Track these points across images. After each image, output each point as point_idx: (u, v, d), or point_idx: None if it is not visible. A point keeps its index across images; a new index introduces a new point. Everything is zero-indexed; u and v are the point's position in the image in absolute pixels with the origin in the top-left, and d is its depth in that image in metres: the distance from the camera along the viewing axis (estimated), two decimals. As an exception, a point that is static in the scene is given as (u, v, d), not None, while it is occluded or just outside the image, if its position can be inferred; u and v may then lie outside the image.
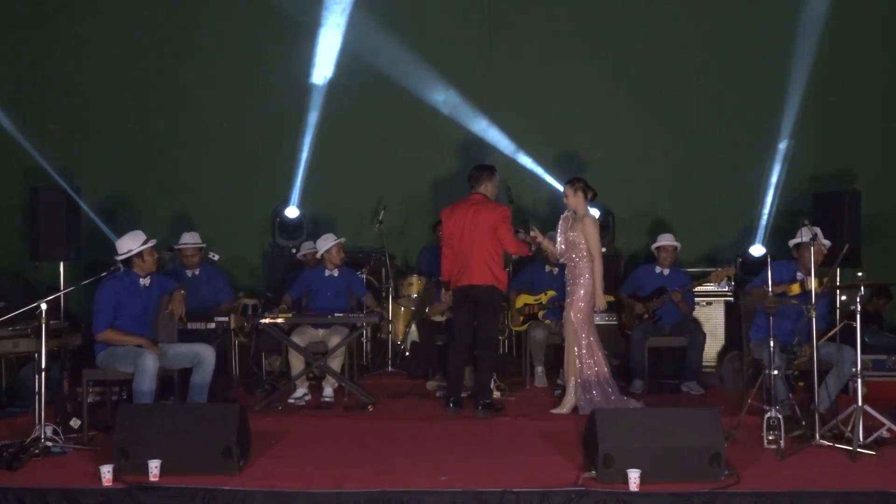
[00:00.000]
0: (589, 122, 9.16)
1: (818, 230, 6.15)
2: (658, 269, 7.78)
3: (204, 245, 7.66)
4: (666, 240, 7.77)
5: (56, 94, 9.17)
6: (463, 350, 6.74)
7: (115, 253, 6.10)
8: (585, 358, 6.50)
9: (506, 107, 9.15)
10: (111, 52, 9.15)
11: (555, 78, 9.15)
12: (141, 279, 6.09)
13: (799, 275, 6.16)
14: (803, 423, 5.58)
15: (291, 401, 7.01)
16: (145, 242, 6.07)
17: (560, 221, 6.72)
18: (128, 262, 6.07)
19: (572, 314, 6.53)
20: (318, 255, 7.59)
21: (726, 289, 8.28)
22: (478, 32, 9.19)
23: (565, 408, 6.51)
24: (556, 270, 7.97)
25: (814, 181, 8.74)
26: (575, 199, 6.60)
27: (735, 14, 9.08)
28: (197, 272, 7.60)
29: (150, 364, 5.72)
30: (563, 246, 6.66)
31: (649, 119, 9.11)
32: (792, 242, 6.39)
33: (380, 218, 8.51)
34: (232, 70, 9.19)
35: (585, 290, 6.51)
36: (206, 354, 6.07)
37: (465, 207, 6.69)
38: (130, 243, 6.05)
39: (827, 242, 6.25)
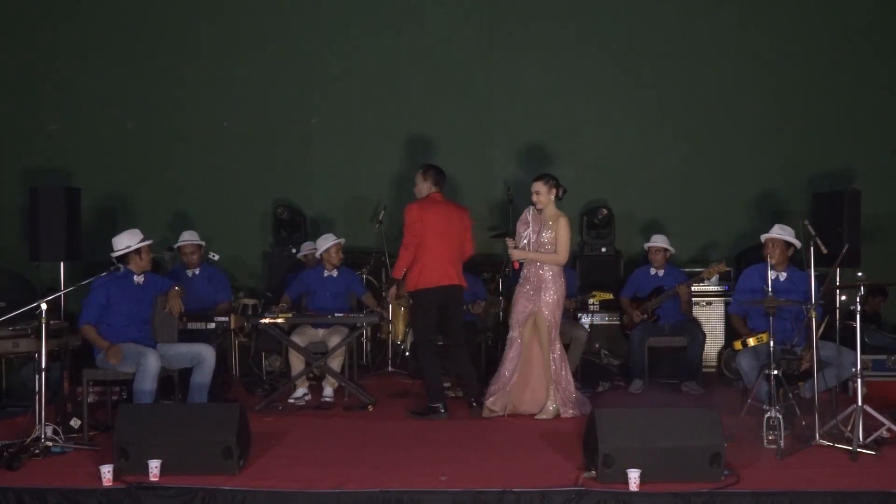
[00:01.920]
0: (589, 122, 9.16)
1: (789, 229, 6.37)
2: (654, 271, 7.80)
3: (203, 243, 7.65)
4: (655, 242, 7.79)
5: (56, 94, 9.17)
6: (436, 353, 6.65)
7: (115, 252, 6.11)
8: (559, 362, 6.37)
9: (506, 106, 9.15)
10: (111, 52, 9.16)
11: (555, 77, 9.16)
12: (135, 277, 6.11)
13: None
14: (803, 422, 5.57)
15: (291, 401, 7.02)
16: (143, 241, 6.10)
17: (529, 220, 6.39)
18: (123, 259, 6.10)
19: (545, 321, 6.31)
20: (318, 255, 7.59)
21: (726, 288, 8.28)
22: (478, 32, 9.19)
23: (549, 413, 6.32)
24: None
25: (813, 181, 8.74)
26: (548, 197, 6.35)
27: (735, 14, 9.08)
28: (197, 272, 7.60)
29: (152, 364, 5.74)
30: (528, 246, 6.41)
31: (650, 119, 9.12)
32: (763, 237, 6.43)
33: (380, 218, 8.51)
34: (232, 69, 9.19)
35: (554, 296, 6.33)
36: (207, 354, 6.08)
37: (443, 206, 6.60)
38: (128, 240, 6.11)
39: (796, 242, 6.32)
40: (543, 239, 6.34)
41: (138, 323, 6.11)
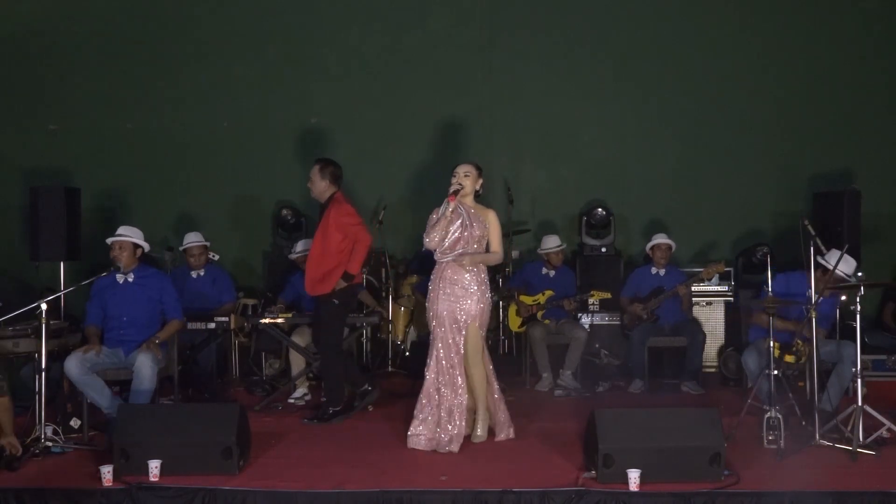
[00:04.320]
0: (590, 122, 9.16)
1: (832, 257, 5.87)
2: (654, 270, 7.79)
3: (208, 243, 7.67)
4: (659, 239, 7.79)
5: (56, 94, 9.17)
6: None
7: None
8: (492, 376, 5.74)
9: (506, 106, 9.15)
10: (111, 52, 9.15)
11: (555, 77, 9.15)
12: (118, 275, 6.11)
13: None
14: (803, 423, 5.57)
15: (291, 401, 7.01)
16: (116, 236, 6.10)
17: (446, 214, 5.58)
18: None
19: (476, 330, 5.61)
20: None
21: (726, 289, 8.29)
22: (478, 32, 9.19)
23: (482, 437, 5.68)
24: (552, 273, 7.96)
25: (813, 181, 8.74)
26: (473, 184, 5.69)
27: (735, 14, 9.08)
28: (202, 273, 7.61)
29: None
30: (452, 240, 5.66)
31: (650, 119, 9.11)
32: (820, 260, 5.93)
33: (380, 218, 8.51)
34: (232, 69, 9.19)
35: (482, 302, 5.62)
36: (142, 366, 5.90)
37: None
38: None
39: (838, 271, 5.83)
40: (475, 233, 5.64)
41: (125, 321, 6.06)
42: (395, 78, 9.20)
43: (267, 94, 9.18)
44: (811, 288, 5.60)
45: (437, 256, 5.74)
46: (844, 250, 5.66)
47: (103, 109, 9.16)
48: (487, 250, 5.76)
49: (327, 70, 9.24)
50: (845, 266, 5.89)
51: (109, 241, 6.18)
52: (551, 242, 7.96)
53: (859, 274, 5.61)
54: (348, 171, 9.08)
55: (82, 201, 8.04)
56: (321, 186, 6.37)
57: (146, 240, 6.25)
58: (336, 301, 6.28)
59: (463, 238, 5.63)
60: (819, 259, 5.86)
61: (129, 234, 6.15)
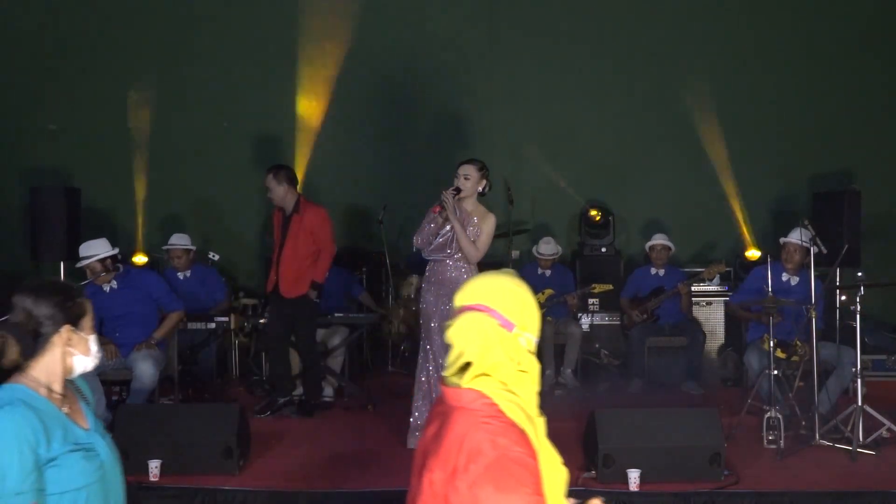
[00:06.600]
0: (589, 122, 9.16)
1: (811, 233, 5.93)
2: (654, 270, 7.80)
3: (193, 248, 7.64)
4: (657, 240, 7.79)
5: (56, 94, 9.17)
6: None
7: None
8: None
9: (506, 106, 9.15)
10: (111, 52, 9.15)
11: (555, 77, 9.15)
12: (101, 286, 6.11)
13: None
14: (803, 423, 5.57)
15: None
16: (84, 259, 6.05)
17: (437, 221, 5.57)
18: None
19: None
20: None
21: (726, 288, 8.28)
22: (478, 32, 9.19)
23: None
24: (548, 273, 7.95)
25: (813, 181, 8.74)
26: (476, 185, 5.53)
27: (734, 14, 9.08)
28: (188, 274, 7.59)
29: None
30: (439, 242, 5.57)
31: (649, 119, 9.10)
32: (782, 240, 6.37)
33: (380, 218, 8.50)
34: (232, 70, 9.19)
35: None
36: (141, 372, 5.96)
37: None
38: (84, 251, 6.13)
39: (810, 246, 5.92)
40: (467, 234, 5.51)
41: (116, 328, 6.09)
42: (395, 77, 9.19)
43: (267, 95, 9.18)
44: (812, 291, 5.60)
45: (424, 254, 5.66)
46: (845, 250, 5.65)
47: (103, 109, 9.15)
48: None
49: (327, 70, 9.23)
50: (803, 235, 5.90)
51: (79, 265, 6.18)
52: (544, 248, 7.93)
53: (859, 274, 5.60)
54: (349, 172, 9.18)
55: (82, 201, 8.04)
56: (281, 192, 6.45)
57: (142, 240, 6.25)
58: (317, 300, 6.47)
59: (451, 240, 5.52)
60: (796, 240, 6.14)
61: (92, 253, 6.08)
